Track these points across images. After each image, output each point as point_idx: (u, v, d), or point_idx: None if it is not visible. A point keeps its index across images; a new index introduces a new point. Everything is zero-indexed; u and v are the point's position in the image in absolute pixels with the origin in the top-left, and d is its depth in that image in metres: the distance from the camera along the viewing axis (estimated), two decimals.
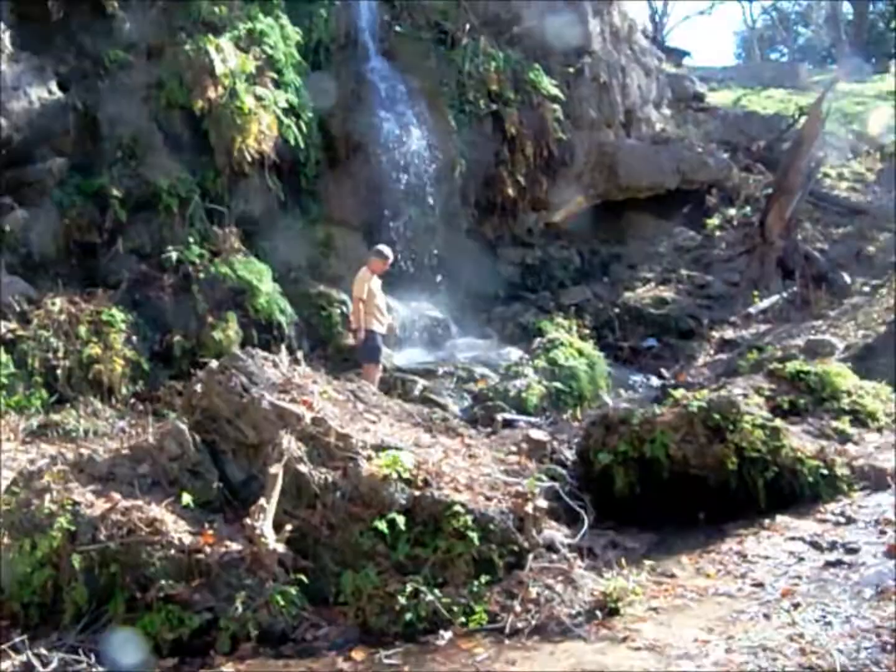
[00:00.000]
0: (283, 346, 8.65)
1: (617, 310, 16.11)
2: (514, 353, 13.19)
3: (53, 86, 11.61)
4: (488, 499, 6.01)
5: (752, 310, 16.11)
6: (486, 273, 16.18)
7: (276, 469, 6.02)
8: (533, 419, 10.05)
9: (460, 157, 14.79)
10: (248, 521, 5.71)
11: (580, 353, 11.34)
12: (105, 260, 11.75)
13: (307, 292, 12.98)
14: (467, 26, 15.44)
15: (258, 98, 12.64)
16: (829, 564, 5.76)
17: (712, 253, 18.02)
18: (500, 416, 9.50)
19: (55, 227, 11.55)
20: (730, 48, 76.21)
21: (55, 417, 9.87)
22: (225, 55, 12.32)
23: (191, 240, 11.86)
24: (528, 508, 5.91)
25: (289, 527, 5.84)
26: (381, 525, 5.72)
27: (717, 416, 7.12)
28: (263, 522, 5.74)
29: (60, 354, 10.46)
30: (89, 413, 10.16)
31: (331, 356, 12.27)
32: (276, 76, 13.14)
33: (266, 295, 11.82)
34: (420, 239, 14.55)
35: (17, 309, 10.62)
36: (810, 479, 7.05)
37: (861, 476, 7.31)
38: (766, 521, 6.69)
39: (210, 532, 5.84)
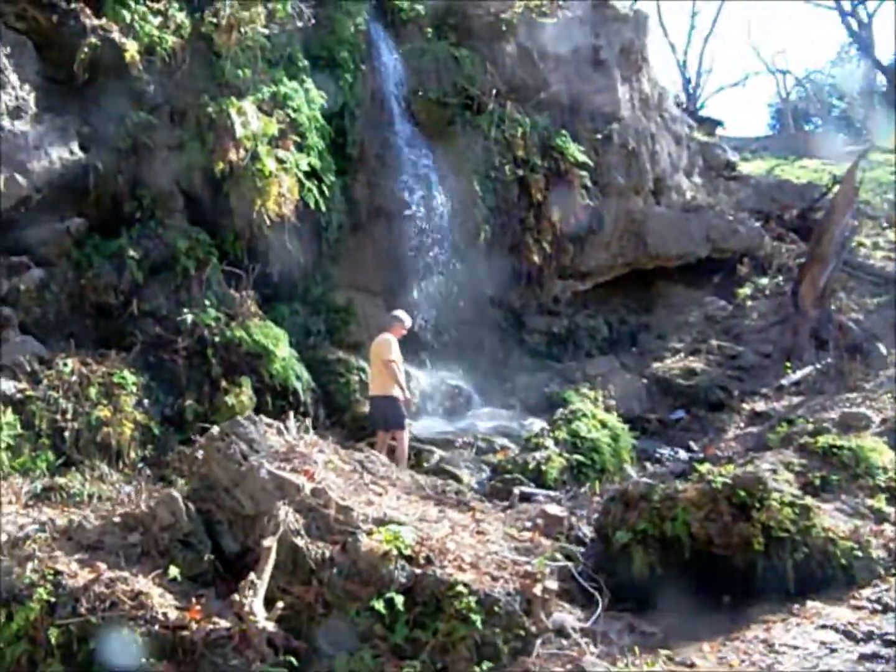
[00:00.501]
0: (290, 414, 8.35)
1: (645, 380, 15.74)
2: (538, 423, 12.85)
3: (75, 146, 11.63)
4: (494, 578, 5.67)
5: (784, 381, 15.63)
6: (511, 342, 15.95)
7: (270, 542, 5.73)
8: (552, 493, 9.69)
9: (485, 224, 14.66)
10: (236, 597, 5.40)
11: (603, 424, 10.99)
12: (120, 321, 11.60)
13: (325, 358, 12.78)
14: (493, 92, 15.43)
15: (279, 161, 12.60)
16: (863, 658, 5.36)
17: (743, 323, 17.65)
18: (516, 490, 9.13)
19: (71, 287, 11.46)
20: (763, 119, 76.41)
21: (60, 481, 9.61)
22: (247, 118, 12.32)
23: (207, 303, 11.71)
24: (537, 590, 5.56)
25: (280, 604, 5.53)
26: (379, 605, 5.41)
27: (742, 493, 6.77)
28: (253, 599, 5.43)
29: (69, 416, 10.24)
30: (95, 477, 9.92)
31: (347, 423, 12.02)
32: (298, 139, 13.11)
33: (282, 360, 11.61)
34: (442, 306, 14.35)
35: (28, 369, 10.44)
36: (843, 561, 6.70)
37: None
38: (796, 607, 6.33)
39: (197, 608, 5.53)
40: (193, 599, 5.58)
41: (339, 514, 6.08)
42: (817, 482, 8.19)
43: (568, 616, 5.89)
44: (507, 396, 14.66)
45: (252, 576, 5.50)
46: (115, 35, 11.88)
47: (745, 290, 18.22)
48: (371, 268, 13.85)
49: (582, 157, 15.83)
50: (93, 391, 10.48)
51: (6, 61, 11.15)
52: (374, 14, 15.58)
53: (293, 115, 13.26)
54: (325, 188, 13.31)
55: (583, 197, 15.78)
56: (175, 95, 12.61)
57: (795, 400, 15.39)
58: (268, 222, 12.38)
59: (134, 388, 10.69)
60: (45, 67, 11.70)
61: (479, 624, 5.27)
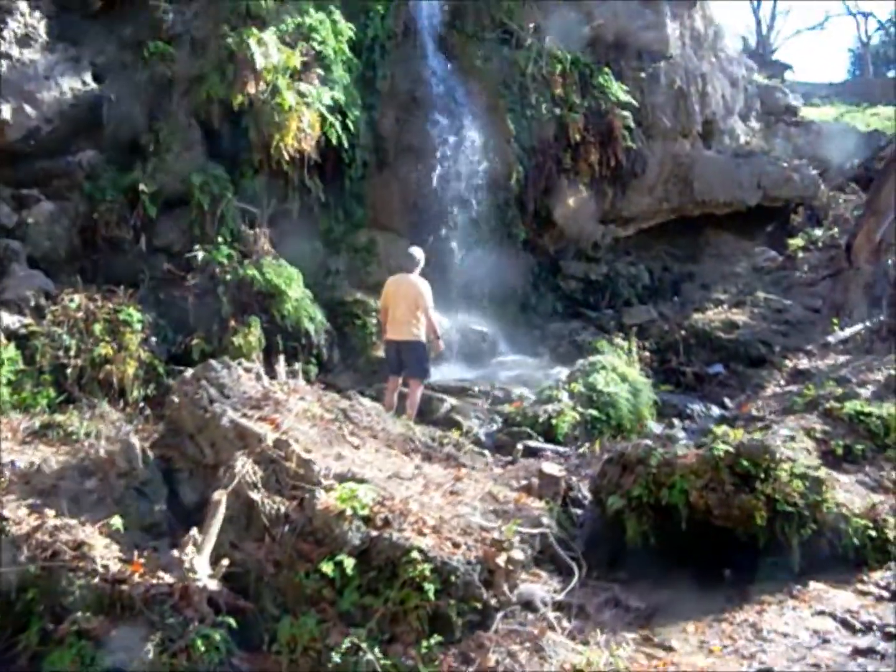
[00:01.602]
0: (281, 358, 7.98)
1: (683, 332, 15.01)
2: (565, 372, 12.30)
3: (88, 77, 11.27)
4: (456, 545, 5.23)
5: (831, 338, 14.79)
6: (544, 288, 15.34)
7: (219, 495, 5.38)
8: (561, 449, 9.21)
9: (518, 164, 13.99)
10: (175, 552, 5.06)
11: (623, 377, 10.40)
12: (131, 257, 11.32)
13: (343, 299, 12.38)
14: (532, 26, 14.63)
15: (301, 94, 12.09)
16: (857, 652, 4.82)
17: (793, 275, 16.78)
18: (520, 444, 8.66)
19: (83, 221, 11.19)
20: (843, 65, 73.35)
21: (59, 418, 9.42)
22: (268, 49, 11.81)
23: (220, 240, 11.36)
24: (500, 560, 5.11)
25: (226, 561, 5.18)
26: (328, 567, 5.02)
27: (745, 463, 6.17)
28: (195, 555, 5.09)
29: (72, 353, 10.02)
30: (96, 415, 9.71)
31: (361, 367, 11.64)
32: (322, 73, 12.58)
33: (294, 301, 11.23)
34: (470, 249, 13.79)
35: (33, 304, 10.25)
36: (855, 540, 6.09)
37: None
38: (797, 588, 5.78)
39: (141, 561, 5.21)
40: (136, 552, 5.27)
41: (300, 467, 5.70)
42: (839, 451, 7.54)
43: (538, 588, 5.44)
44: (537, 344, 14.09)
45: (194, 530, 5.16)
46: None
47: (798, 242, 17.31)
48: (396, 207, 13.32)
49: (625, 97, 14.98)
50: (97, 328, 10.24)
51: None
52: None
53: (318, 47, 12.71)
54: (349, 124, 12.76)
55: (625, 138, 14.97)
56: (195, 25, 12.15)
57: (842, 359, 14.60)
58: (286, 157, 11.91)
59: (139, 326, 10.42)
60: None
61: (432, 594, 4.86)
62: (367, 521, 5.28)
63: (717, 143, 17.36)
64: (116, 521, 5.37)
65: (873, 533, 6.13)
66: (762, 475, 6.13)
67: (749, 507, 6.01)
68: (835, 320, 14.96)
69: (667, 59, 15.93)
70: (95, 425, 9.48)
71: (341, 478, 5.65)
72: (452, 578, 4.95)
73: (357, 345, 11.87)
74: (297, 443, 6.00)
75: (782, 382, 14.24)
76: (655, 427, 11.46)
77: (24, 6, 10.79)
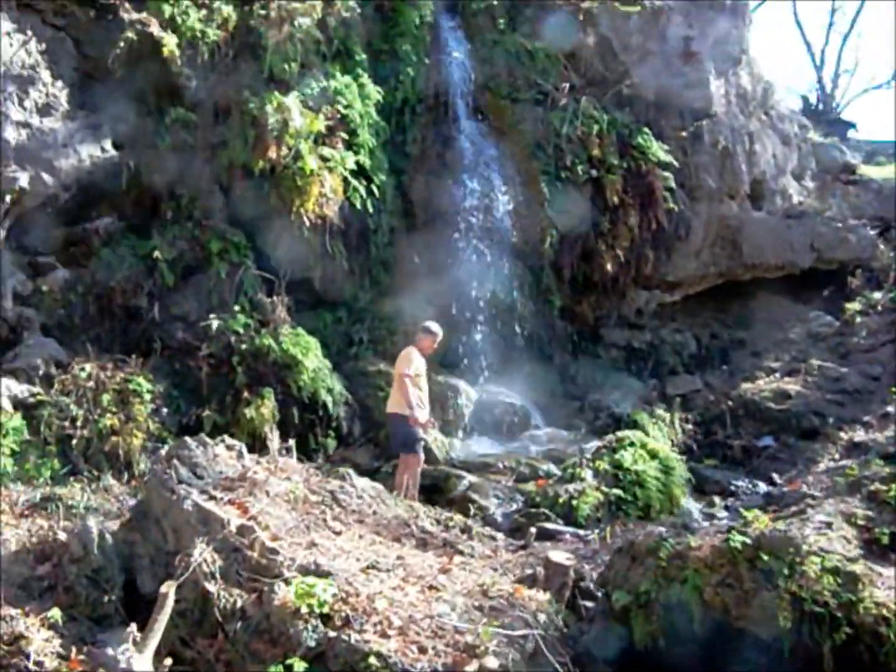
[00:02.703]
0: (275, 433, 7.69)
1: (731, 402, 14.38)
2: None
3: (108, 144, 11.30)
4: (422, 650, 4.78)
5: (891, 409, 14.00)
6: (584, 357, 14.89)
7: (167, 587, 5.03)
8: (582, 532, 8.68)
9: (551, 228, 13.66)
10: (109, 650, 4.73)
11: (653, 454, 9.85)
12: (147, 326, 11.23)
13: (366, 370, 12.08)
14: (567, 86, 14.43)
15: (323, 159, 12.01)
16: None
17: (851, 341, 16.00)
18: (532, 529, 8.13)
19: (98, 289, 11.14)
20: None
21: (60, 490, 9.24)
22: (290, 113, 11.77)
23: (237, 308, 11.21)
24: (469, 668, 4.64)
25: (169, 661, 4.82)
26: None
27: (766, 557, 5.61)
28: (133, 653, 4.74)
29: (79, 423, 9.89)
30: (100, 488, 9.52)
31: (381, 441, 11.26)
32: (347, 137, 12.50)
33: (311, 371, 10.99)
34: (503, 316, 13.44)
35: (42, 372, 10.17)
36: None
37: None
38: None
39: (80, 657, 4.89)
40: (74, 648, 4.95)
41: (262, 557, 5.34)
42: (885, 540, 6.68)
43: None
44: (573, 417, 13.61)
45: (133, 626, 4.83)
46: (154, 28, 11.52)
47: (855, 306, 16.54)
48: (424, 274, 13.06)
49: (666, 157, 14.62)
50: (106, 398, 10.10)
51: (39, 57, 10.91)
52: (442, 5, 14.83)
53: (344, 111, 12.66)
54: (374, 188, 12.63)
55: (666, 200, 14.57)
56: (218, 91, 12.17)
57: None
58: (308, 223, 11.79)
59: (149, 396, 10.27)
60: (82, 63, 11.45)
61: None
62: (327, 619, 4.89)
63: (767, 204, 16.83)
64: (55, 613, 5.05)
65: None
66: (786, 571, 5.56)
67: (772, 608, 5.45)
68: (893, 389, 14.20)
69: (710, 118, 15.55)
70: (101, 498, 9.34)
71: (305, 570, 5.27)
72: None
73: (379, 417, 11.51)
74: (265, 529, 5.66)
75: (836, 456, 13.49)
76: (693, 506, 10.88)
77: (46, 75, 10.91)
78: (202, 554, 5.27)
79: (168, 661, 4.80)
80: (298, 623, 4.84)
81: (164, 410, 10.49)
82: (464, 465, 10.63)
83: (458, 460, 10.70)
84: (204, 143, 12.07)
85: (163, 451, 6.56)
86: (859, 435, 13.71)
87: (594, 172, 14.14)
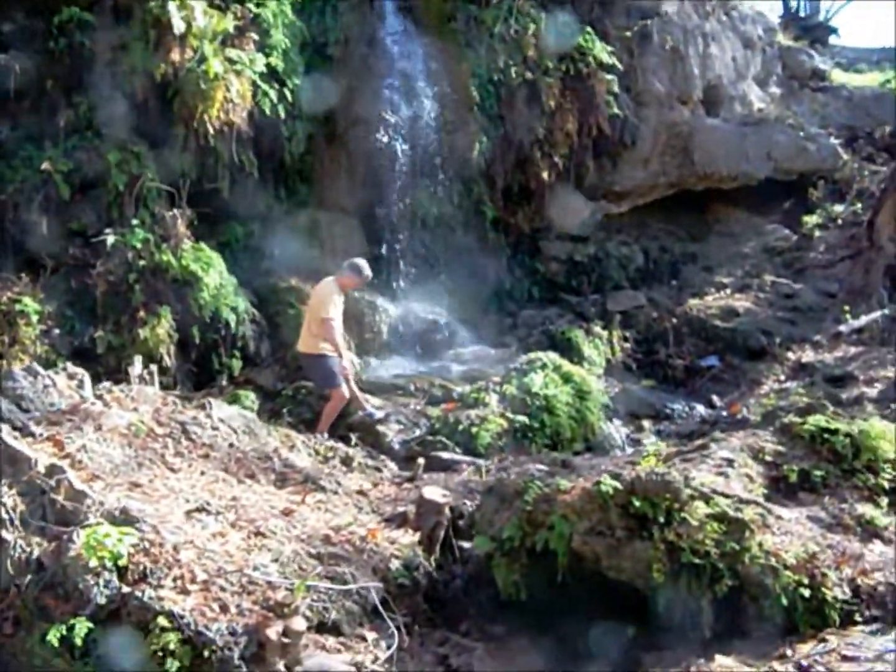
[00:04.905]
0: (137, 359, 7.50)
1: (675, 320, 14.25)
2: None
3: None
4: (224, 608, 4.56)
5: (843, 328, 13.85)
6: (521, 271, 14.67)
7: None
8: (480, 461, 8.53)
9: (482, 134, 13.30)
10: None
11: (566, 378, 9.66)
12: (45, 243, 10.95)
13: (277, 286, 11.86)
14: None
15: (231, 62, 11.60)
16: None
17: (808, 256, 15.85)
18: (420, 460, 7.95)
19: None
20: None
21: None
22: (192, 13, 11.32)
23: (135, 222, 10.93)
24: (272, 632, 4.44)
25: None
26: (54, 633, 4.44)
27: (638, 503, 5.19)
28: None
29: None
30: None
31: (290, 362, 11.10)
32: (259, 38, 12.06)
33: (213, 289, 10.77)
34: (429, 229, 13.18)
35: None
36: (784, 601, 4.96)
37: (871, 601, 5.12)
38: (699, 662, 4.73)
39: None
40: None
41: (70, 500, 5.15)
42: (793, 478, 6.23)
43: (334, 661, 4.74)
44: (505, 334, 13.46)
45: None
46: None
47: (814, 219, 16.31)
48: (344, 184, 12.74)
49: (609, 59, 14.18)
50: None
51: None
52: None
53: (256, 9, 12.19)
54: (286, 93, 12.23)
55: (609, 105, 14.20)
56: None
57: (853, 350, 13.68)
58: (211, 131, 11.44)
59: (37, 318, 10.07)
60: None
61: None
62: (124, 573, 4.72)
63: (725, 111, 16.44)
64: None
65: (807, 592, 4.99)
66: (661, 518, 5.16)
67: (645, 558, 5.07)
68: (846, 307, 14.04)
69: (660, 17, 15.07)
70: None
71: (111, 516, 5.06)
72: (206, 653, 4.30)
73: (289, 337, 11.32)
74: (82, 469, 5.48)
75: (782, 377, 13.38)
76: (618, 432, 10.77)
77: None
78: (3, 498, 5.08)
79: None
80: (89, 577, 4.65)
81: (56, 332, 10.29)
82: (372, 387, 10.46)
83: (369, 382, 10.54)
84: (104, 47, 11.63)
85: None
86: (808, 355, 13.59)
87: (529, 75, 13.71)
